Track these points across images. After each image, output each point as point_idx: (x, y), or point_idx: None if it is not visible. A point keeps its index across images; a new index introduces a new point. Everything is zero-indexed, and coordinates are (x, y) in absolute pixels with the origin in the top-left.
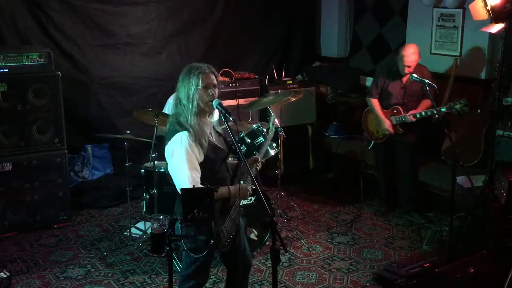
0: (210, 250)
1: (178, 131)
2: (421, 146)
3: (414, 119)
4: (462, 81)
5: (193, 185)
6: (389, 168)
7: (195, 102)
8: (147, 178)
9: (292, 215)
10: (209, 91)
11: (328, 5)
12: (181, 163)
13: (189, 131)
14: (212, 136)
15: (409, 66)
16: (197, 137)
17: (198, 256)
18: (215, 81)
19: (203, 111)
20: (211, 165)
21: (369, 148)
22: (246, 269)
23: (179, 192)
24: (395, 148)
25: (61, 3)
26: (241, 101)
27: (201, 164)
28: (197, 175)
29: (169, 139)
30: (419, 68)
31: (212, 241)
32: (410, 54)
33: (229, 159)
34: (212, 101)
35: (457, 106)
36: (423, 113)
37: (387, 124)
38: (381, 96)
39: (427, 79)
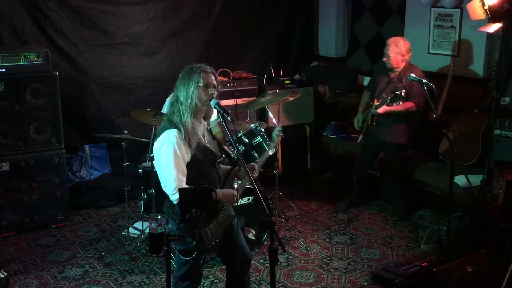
0: (197, 253)
1: (167, 129)
2: (410, 147)
3: (381, 112)
4: (459, 80)
5: (178, 186)
6: (370, 167)
7: (193, 100)
8: (145, 178)
9: (290, 214)
10: (209, 90)
11: (326, 5)
12: (168, 162)
13: (179, 130)
14: (204, 137)
15: (386, 57)
16: (187, 137)
17: (188, 258)
18: (215, 82)
19: (199, 111)
20: (198, 167)
21: (357, 142)
22: (245, 264)
23: (165, 191)
24: (382, 147)
25: (59, 3)
26: (239, 101)
27: (188, 165)
28: (183, 176)
29: (158, 136)
30: (410, 68)
31: (194, 242)
32: (387, 45)
33: (220, 163)
34: (210, 100)
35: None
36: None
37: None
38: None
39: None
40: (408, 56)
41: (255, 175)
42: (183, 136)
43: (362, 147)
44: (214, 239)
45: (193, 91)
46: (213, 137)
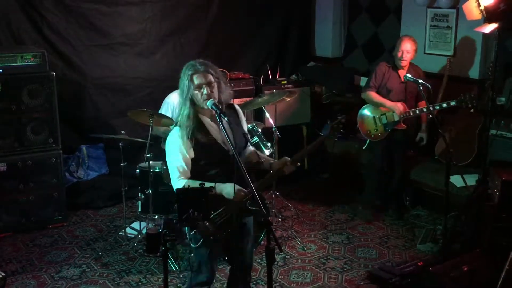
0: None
1: (174, 127)
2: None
3: (429, 115)
4: (455, 80)
5: (180, 179)
6: (385, 166)
7: (188, 101)
8: (142, 178)
9: (287, 214)
10: (202, 90)
11: (323, 5)
12: (170, 158)
13: (180, 127)
14: (223, 132)
15: (406, 53)
16: (189, 134)
17: (195, 246)
18: (209, 78)
19: (201, 108)
20: (204, 162)
21: (364, 148)
22: (243, 269)
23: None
24: (391, 145)
25: (55, 4)
26: (236, 101)
27: (193, 160)
28: (183, 171)
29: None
30: (413, 67)
31: (193, 232)
32: (409, 40)
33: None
34: (206, 100)
35: (466, 100)
36: (436, 106)
37: (401, 108)
38: (379, 92)
39: (421, 79)
40: None
41: (287, 171)
42: (185, 134)
43: (377, 154)
44: (217, 232)
45: (188, 92)
46: (233, 131)
